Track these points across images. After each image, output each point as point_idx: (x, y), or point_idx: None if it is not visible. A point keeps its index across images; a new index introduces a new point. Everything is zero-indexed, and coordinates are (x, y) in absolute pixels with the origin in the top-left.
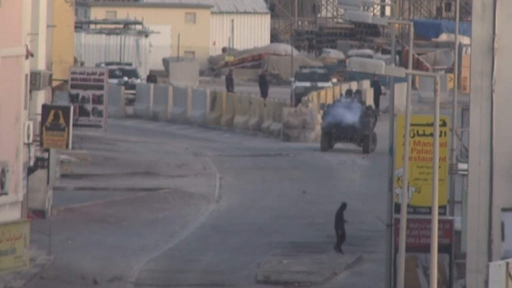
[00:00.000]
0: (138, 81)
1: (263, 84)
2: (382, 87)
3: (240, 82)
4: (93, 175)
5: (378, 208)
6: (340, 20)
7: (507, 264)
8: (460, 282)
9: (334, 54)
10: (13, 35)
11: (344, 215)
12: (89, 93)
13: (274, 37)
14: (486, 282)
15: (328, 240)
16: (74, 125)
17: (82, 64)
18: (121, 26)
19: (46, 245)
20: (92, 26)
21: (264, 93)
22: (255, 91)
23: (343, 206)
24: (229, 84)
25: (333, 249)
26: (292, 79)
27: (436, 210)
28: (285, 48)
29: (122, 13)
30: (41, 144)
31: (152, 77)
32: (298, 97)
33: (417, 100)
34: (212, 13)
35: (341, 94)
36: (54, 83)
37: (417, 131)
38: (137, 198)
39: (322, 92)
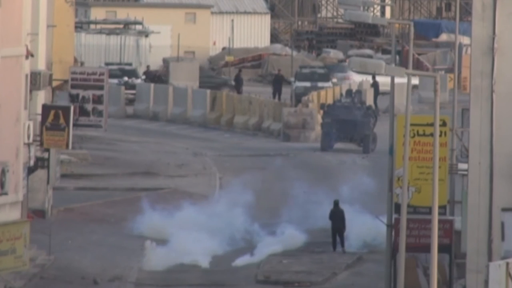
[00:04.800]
0: (138, 81)
1: (277, 83)
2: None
3: None
4: (93, 175)
5: (378, 208)
6: (340, 20)
7: (507, 264)
8: (460, 282)
9: (334, 54)
10: (13, 35)
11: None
12: (89, 93)
13: (274, 37)
14: (486, 282)
15: (328, 240)
16: (74, 125)
17: (82, 64)
18: (121, 26)
19: (46, 245)
20: (92, 26)
21: (277, 92)
22: (257, 90)
23: (337, 203)
24: (238, 84)
25: (333, 250)
26: (292, 79)
27: (436, 210)
28: (282, 48)
29: (122, 13)
30: (41, 144)
31: (154, 76)
32: (298, 97)
33: (417, 100)
34: (212, 13)
35: (341, 94)
36: (54, 83)
37: (417, 131)
38: (137, 198)
39: (322, 92)
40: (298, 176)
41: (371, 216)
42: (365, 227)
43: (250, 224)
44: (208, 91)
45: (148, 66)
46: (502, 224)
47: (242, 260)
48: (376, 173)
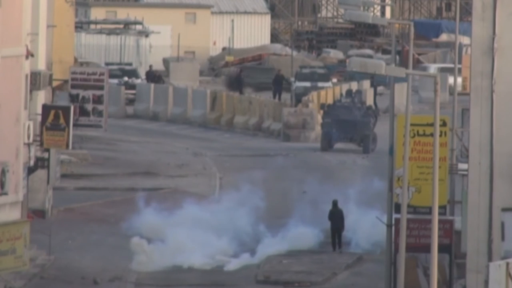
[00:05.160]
0: (138, 81)
1: (278, 83)
2: (382, 87)
3: None
4: (93, 175)
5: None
6: (340, 20)
7: (507, 264)
8: (460, 282)
9: (334, 54)
10: (13, 35)
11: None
12: (89, 93)
13: (274, 37)
14: (486, 282)
15: (328, 240)
16: (74, 125)
17: (82, 64)
18: (121, 26)
19: (46, 245)
20: (92, 26)
21: (277, 92)
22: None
23: (336, 203)
24: (239, 85)
25: (333, 250)
26: (292, 79)
27: (436, 210)
28: (282, 48)
29: (122, 13)
30: (41, 144)
31: (155, 76)
32: (298, 97)
33: (417, 100)
34: (212, 13)
35: (341, 94)
36: (54, 83)
37: (417, 131)
38: (138, 198)
39: (322, 92)
40: (298, 176)
41: (380, 215)
42: (377, 227)
43: (253, 224)
44: (208, 91)
45: (150, 66)
46: (502, 224)
47: (246, 260)
48: (376, 173)
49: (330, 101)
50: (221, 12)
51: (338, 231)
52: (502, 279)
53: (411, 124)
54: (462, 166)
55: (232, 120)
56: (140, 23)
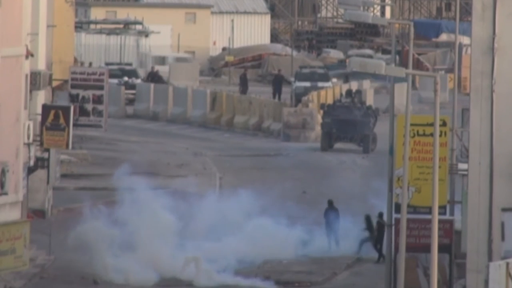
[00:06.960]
0: (138, 81)
1: (277, 83)
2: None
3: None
4: (93, 175)
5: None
6: (340, 20)
7: (507, 264)
8: (460, 282)
9: (334, 54)
10: (13, 35)
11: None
12: (89, 93)
13: (274, 37)
14: (486, 282)
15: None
16: (74, 125)
17: (82, 64)
18: (121, 26)
19: (46, 245)
20: (92, 26)
21: (277, 92)
22: (258, 90)
23: (332, 203)
24: (243, 84)
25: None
26: (292, 79)
27: (436, 210)
28: (282, 48)
29: (122, 13)
30: (41, 144)
31: (155, 76)
32: (298, 97)
33: (417, 100)
34: (212, 13)
35: (341, 94)
36: (54, 83)
37: (417, 131)
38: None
39: (322, 92)
40: (298, 176)
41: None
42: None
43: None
44: (208, 91)
45: (152, 67)
46: (502, 224)
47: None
48: (376, 173)
49: (330, 101)
50: (221, 12)
51: (333, 230)
52: (502, 279)
53: (411, 124)
54: (462, 166)
55: (232, 120)
56: (140, 23)
